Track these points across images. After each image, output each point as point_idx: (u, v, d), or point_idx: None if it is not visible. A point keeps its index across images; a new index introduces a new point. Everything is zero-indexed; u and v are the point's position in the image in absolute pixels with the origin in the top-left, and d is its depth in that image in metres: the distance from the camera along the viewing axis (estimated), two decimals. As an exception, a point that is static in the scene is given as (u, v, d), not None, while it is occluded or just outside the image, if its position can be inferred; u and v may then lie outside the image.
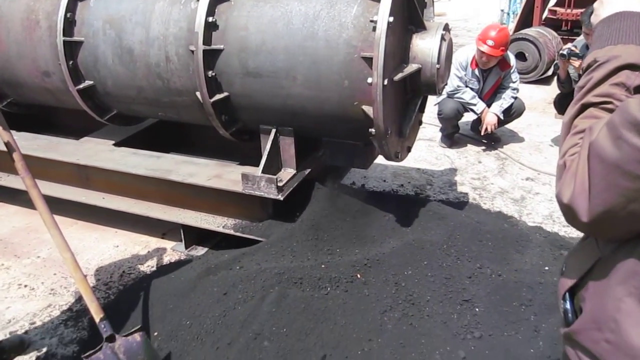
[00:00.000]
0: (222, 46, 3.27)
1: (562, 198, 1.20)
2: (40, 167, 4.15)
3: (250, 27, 3.22)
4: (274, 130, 3.47)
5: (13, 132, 4.45)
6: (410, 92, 3.38)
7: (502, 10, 10.21)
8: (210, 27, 3.26)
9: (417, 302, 2.95)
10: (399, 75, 3.06)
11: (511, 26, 9.01)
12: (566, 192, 1.19)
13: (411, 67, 3.18)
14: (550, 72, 7.32)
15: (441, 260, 3.21)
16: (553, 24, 8.20)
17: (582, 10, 7.34)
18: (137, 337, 2.51)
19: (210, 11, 3.26)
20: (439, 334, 2.78)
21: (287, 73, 3.17)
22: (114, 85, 3.77)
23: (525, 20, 8.41)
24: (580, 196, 1.15)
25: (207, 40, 3.25)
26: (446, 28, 3.26)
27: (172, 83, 3.53)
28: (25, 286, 3.56)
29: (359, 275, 3.03)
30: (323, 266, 3.05)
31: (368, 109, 3.02)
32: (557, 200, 1.24)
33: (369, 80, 2.91)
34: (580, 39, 5.12)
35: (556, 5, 8.46)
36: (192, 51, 3.29)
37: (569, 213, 1.20)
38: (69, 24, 3.68)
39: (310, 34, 3.09)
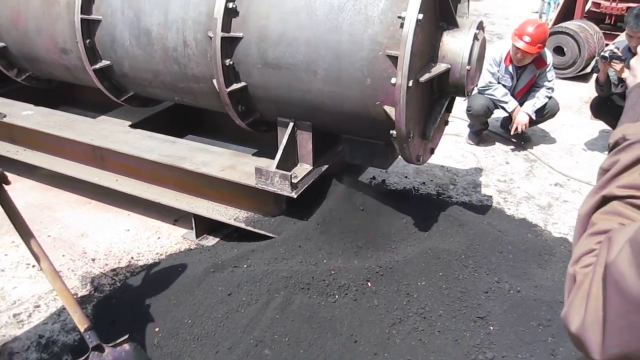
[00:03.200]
0: (241, 34, 3.12)
1: (569, 324, 0.95)
2: (56, 145, 4.12)
3: (271, 15, 3.06)
4: (291, 124, 3.33)
5: (31, 106, 4.57)
6: (437, 92, 3.20)
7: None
8: (230, 13, 3.10)
9: (429, 316, 2.82)
10: (426, 76, 2.88)
11: (551, 16, 8.61)
12: (574, 317, 0.94)
13: (439, 67, 2.99)
14: (588, 70, 6.99)
15: (457, 272, 3.06)
16: (596, 17, 7.79)
17: (627, 4, 7.04)
18: (126, 346, 2.41)
19: (232, -4, 3.10)
20: (449, 352, 2.66)
21: (308, 66, 3.01)
22: (130, 67, 3.67)
23: (567, 11, 7.99)
24: (591, 328, 0.91)
25: (226, 27, 3.10)
26: (480, 26, 3.05)
27: (189, 69, 3.41)
28: (33, 266, 3.52)
29: (369, 284, 2.90)
30: (333, 272, 2.92)
31: (390, 110, 2.85)
32: (563, 323, 0.99)
33: (393, 80, 2.75)
34: (623, 39, 4.83)
35: (601, -3, 8.04)
36: (210, 37, 3.15)
37: (578, 344, 0.95)
38: (88, 2, 3.57)
39: (334, 27, 2.91)
